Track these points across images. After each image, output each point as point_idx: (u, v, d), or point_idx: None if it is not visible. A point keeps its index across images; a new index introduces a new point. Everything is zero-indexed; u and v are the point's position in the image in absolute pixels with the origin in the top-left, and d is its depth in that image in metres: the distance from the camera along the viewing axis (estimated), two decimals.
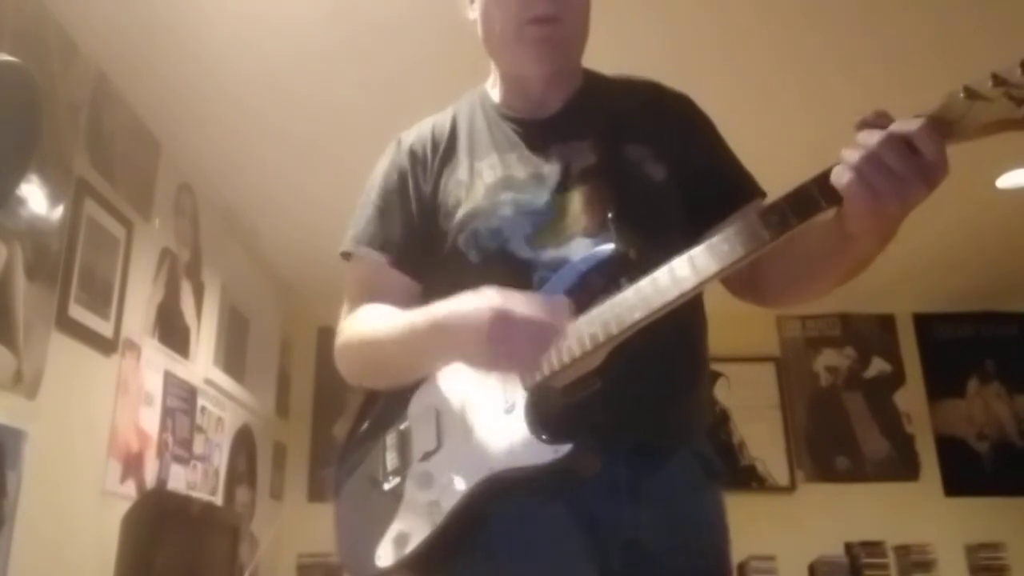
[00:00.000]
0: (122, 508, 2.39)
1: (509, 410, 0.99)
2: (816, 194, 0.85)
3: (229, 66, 2.53)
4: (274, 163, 3.12)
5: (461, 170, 1.17)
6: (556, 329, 0.93)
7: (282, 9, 2.31)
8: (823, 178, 0.85)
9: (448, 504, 0.99)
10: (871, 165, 0.81)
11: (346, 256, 1.22)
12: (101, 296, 2.44)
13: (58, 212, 2.23)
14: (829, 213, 0.87)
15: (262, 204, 3.45)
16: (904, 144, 0.80)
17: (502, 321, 0.92)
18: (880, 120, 0.83)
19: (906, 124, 0.81)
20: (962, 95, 0.79)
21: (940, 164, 0.80)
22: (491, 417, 1.00)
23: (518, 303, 0.93)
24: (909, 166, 0.80)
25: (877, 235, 0.88)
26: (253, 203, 3.44)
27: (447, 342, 0.98)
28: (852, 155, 0.82)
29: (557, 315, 0.94)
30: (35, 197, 2.13)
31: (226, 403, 3.49)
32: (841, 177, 0.83)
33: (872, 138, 0.81)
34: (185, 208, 3.11)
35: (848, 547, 4.17)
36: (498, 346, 0.92)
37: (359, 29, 2.40)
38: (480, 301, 0.95)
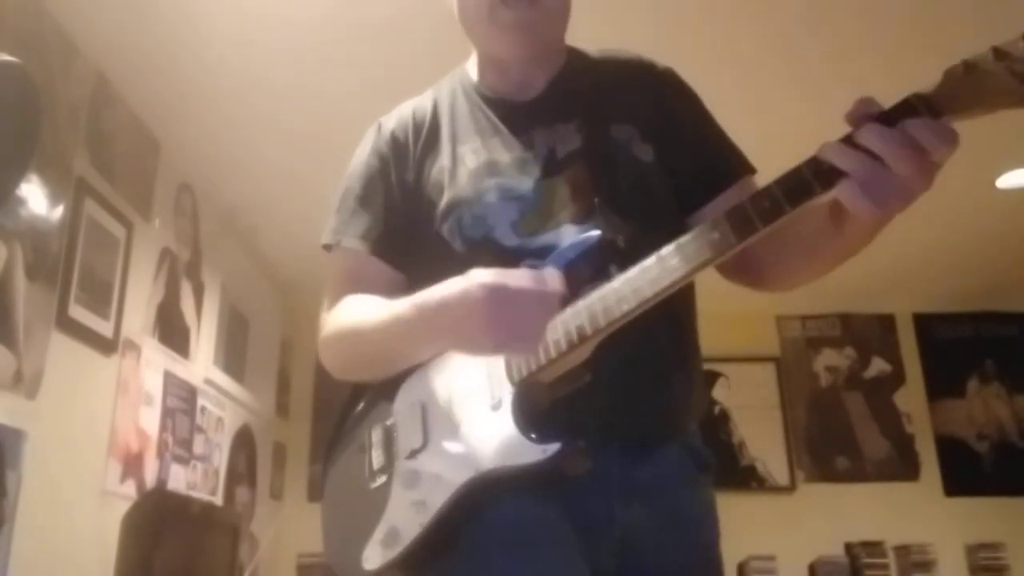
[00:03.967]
0: (122, 508, 2.39)
1: (496, 407, 0.96)
2: (810, 178, 0.81)
3: (229, 66, 2.53)
4: (274, 162, 3.11)
5: (444, 156, 1.13)
6: (554, 298, 0.88)
7: (282, 9, 2.31)
8: (816, 161, 0.81)
9: (435, 504, 0.95)
10: (876, 173, 0.76)
11: (327, 247, 1.18)
12: (101, 296, 2.44)
13: (58, 212, 2.23)
14: (823, 198, 0.82)
15: (262, 204, 3.45)
16: (912, 147, 0.75)
17: (498, 296, 0.87)
18: (867, 108, 0.79)
19: (917, 127, 0.75)
20: (962, 70, 0.74)
21: (945, 154, 0.76)
22: (478, 414, 0.97)
23: (510, 277, 0.89)
24: (916, 169, 0.76)
25: (871, 228, 0.86)
26: (253, 203, 3.43)
27: (440, 328, 0.93)
28: (854, 162, 0.77)
29: (551, 284, 0.89)
30: (35, 197, 2.12)
31: (226, 403, 3.49)
32: (845, 190, 0.78)
33: (878, 143, 0.76)
34: (185, 208, 3.11)
35: (848, 547, 4.17)
36: (498, 324, 0.87)
37: (360, 28, 2.40)
38: (470, 280, 0.89)
